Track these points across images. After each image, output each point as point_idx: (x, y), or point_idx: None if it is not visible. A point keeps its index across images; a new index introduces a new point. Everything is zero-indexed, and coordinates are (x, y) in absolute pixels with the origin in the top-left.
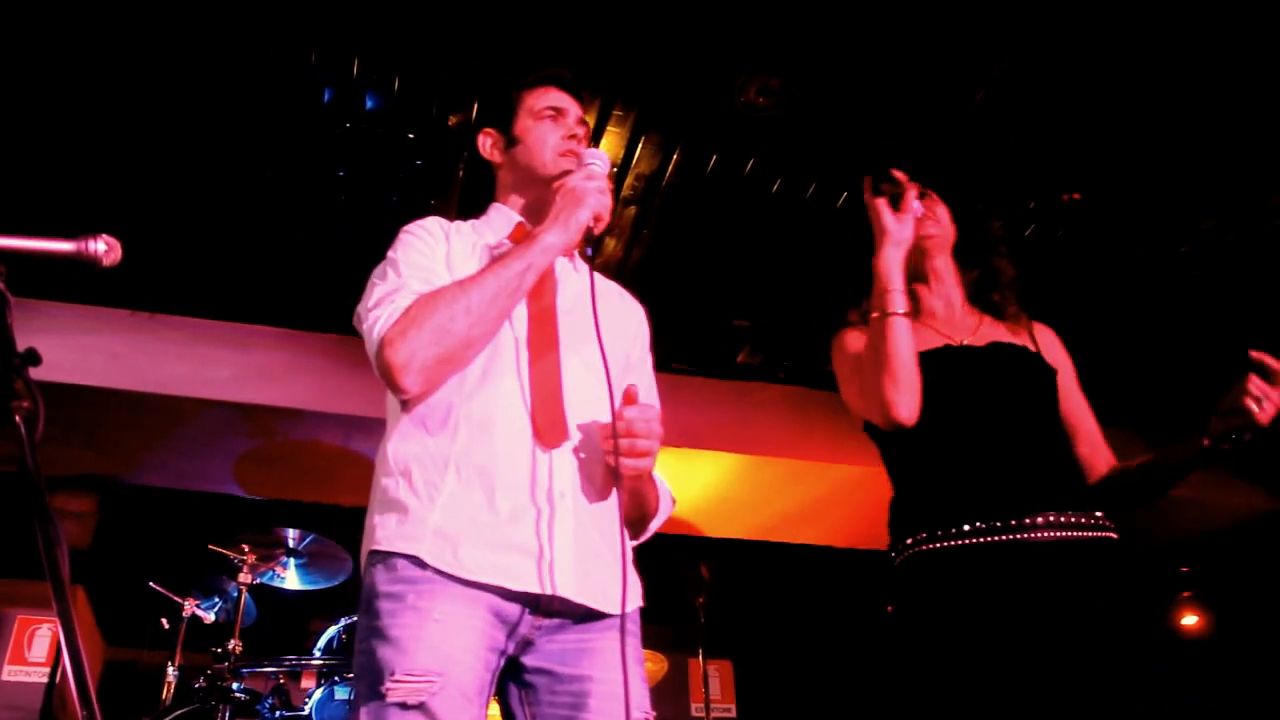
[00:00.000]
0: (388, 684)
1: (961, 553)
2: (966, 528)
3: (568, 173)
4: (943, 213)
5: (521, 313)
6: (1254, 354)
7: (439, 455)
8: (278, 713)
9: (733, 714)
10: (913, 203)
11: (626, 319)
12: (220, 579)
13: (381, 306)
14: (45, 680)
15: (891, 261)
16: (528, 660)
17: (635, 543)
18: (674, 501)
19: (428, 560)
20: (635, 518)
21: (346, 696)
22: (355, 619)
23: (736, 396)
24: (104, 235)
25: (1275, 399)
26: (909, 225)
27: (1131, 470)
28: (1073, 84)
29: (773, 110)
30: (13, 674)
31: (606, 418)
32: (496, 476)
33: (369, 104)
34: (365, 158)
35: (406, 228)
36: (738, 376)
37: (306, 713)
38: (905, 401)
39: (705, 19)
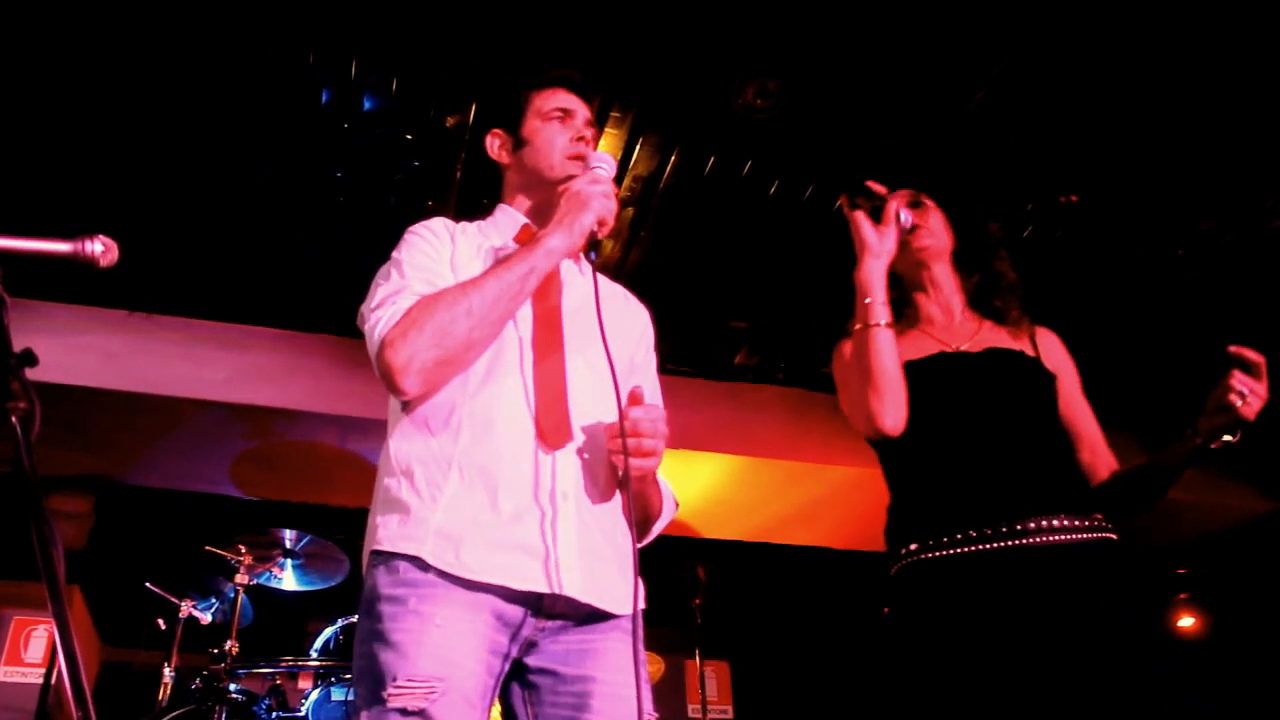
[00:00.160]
0: (389, 689)
1: (959, 561)
2: (961, 535)
3: (574, 176)
4: (938, 220)
5: (526, 314)
6: (1233, 349)
7: (441, 455)
8: (274, 714)
9: (729, 715)
10: (896, 213)
11: (632, 321)
12: (217, 580)
13: (383, 307)
14: (41, 681)
15: (872, 273)
16: (531, 661)
17: (640, 544)
18: (677, 504)
19: (430, 561)
20: (638, 520)
21: (343, 697)
22: (352, 620)
23: (733, 398)
24: (101, 236)
25: (1260, 392)
26: (890, 237)
27: (1130, 473)
28: (1071, 86)
29: (770, 112)
30: (8, 675)
31: (610, 419)
32: (499, 477)
33: (367, 105)
34: (363, 158)
35: (412, 228)
36: (735, 378)
37: (303, 714)
38: (889, 413)
39: (703, 20)
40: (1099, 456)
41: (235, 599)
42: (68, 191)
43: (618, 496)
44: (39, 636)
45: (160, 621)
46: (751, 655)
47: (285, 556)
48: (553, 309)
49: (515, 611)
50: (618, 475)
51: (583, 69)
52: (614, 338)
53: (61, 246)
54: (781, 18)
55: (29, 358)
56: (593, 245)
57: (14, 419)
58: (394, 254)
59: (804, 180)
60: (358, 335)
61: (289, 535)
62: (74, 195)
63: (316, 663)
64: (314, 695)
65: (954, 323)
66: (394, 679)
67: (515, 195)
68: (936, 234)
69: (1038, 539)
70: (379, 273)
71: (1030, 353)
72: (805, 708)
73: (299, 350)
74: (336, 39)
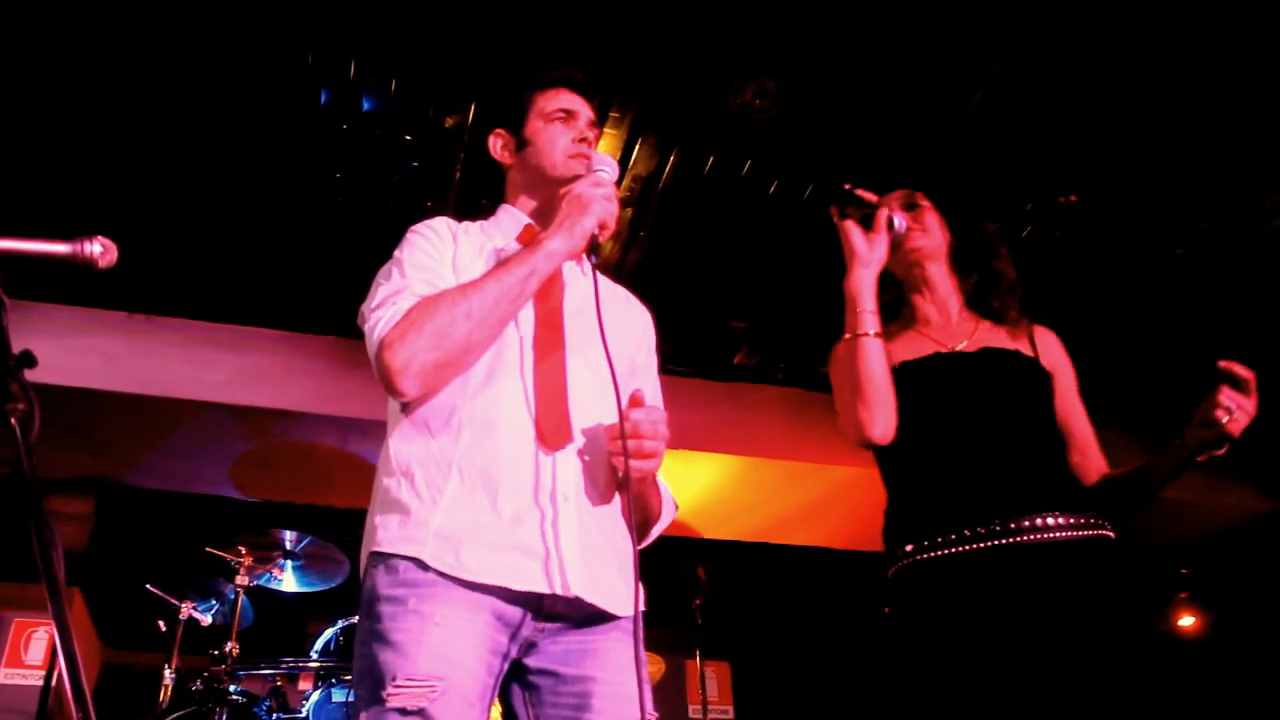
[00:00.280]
0: (389, 689)
1: (956, 560)
2: (956, 535)
3: (578, 177)
4: (933, 220)
5: (528, 315)
6: (1222, 364)
7: (442, 457)
8: (275, 715)
9: (730, 715)
10: (887, 221)
11: (633, 323)
12: (217, 581)
13: (383, 308)
14: (41, 683)
15: (861, 282)
16: (531, 661)
17: (639, 547)
18: (677, 507)
19: (430, 562)
20: (638, 522)
21: (344, 698)
22: (353, 621)
23: (733, 398)
24: (100, 237)
25: (1247, 408)
26: (880, 245)
27: (1120, 479)
28: (1070, 86)
29: (769, 112)
30: (9, 677)
31: (611, 420)
32: (500, 479)
33: (366, 105)
34: (362, 159)
35: (414, 228)
36: (734, 378)
37: (304, 715)
38: (878, 422)
39: (702, 20)
40: (1089, 459)
41: (235, 600)
42: (66, 193)
43: (618, 498)
44: (39, 638)
45: (160, 623)
46: (752, 655)
47: (285, 558)
48: (554, 310)
49: (515, 612)
50: (618, 477)
51: (582, 69)
52: (615, 339)
53: (60, 248)
54: (781, 18)
55: (28, 359)
56: (593, 248)
57: (13, 420)
58: (396, 253)
59: (803, 180)
60: (358, 336)
61: (289, 536)
62: (73, 196)
63: (317, 664)
64: (315, 696)
65: (951, 323)
66: (394, 678)
67: (518, 196)
68: (931, 234)
69: (1033, 536)
70: (380, 272)
71: (1028, 352)
72: (806, 708)
73: (299, 351)
74: (335, 39)
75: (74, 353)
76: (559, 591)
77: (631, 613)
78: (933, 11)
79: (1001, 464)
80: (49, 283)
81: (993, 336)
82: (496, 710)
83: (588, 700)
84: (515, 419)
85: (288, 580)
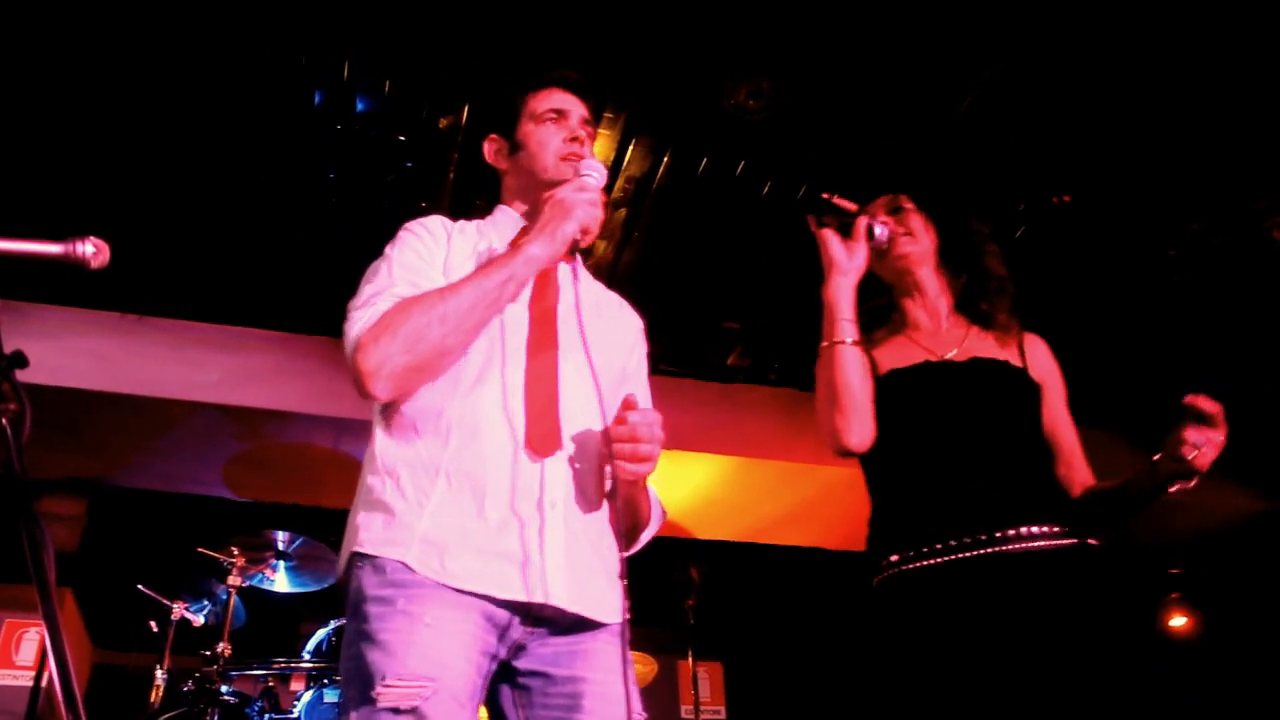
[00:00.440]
0: (379, 689)
1: (941, 570)
2: (942, 545)
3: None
4: (919, 223)
5: (522, 319)
6: (1187, 400)
7: (429, 461)
8: (267, 715)
9: (722, 716)
10: (866, 229)
11: (624, 329)
12: (209, 582)
13: (363, 309)
14: (31, 684)
15: (839, 290)
16: (520, 664)
17: (626, 554)
18: (665, 513)
19: (415, 567)
20: (628, 526)
21: (336, 699)
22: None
23: (727, 398)
24: (92, 237)
25: (1215, 440)
26: (859, 254)
27: (1101, 494)
28: (1063, 87)
29: (763, 113)
30: None
31: (600, 427)
32: (487, 484)
33: (360, 106)
34: (356, 160)
35: (407, 225)
36: (728, 379)
37: (295, 715)
38: (854, 429)
39: (695, 22)
40: (1075, 471)
41: (228, 601)
42: (58, 193)
43: (606, 505)
44: (30, 639)
45: (152, 623)
46: (745, 656)
47: (278, 558)
48: (549, 316)
49: (504, 615)
50: (607, 482)
51: (576, 70)
52: (606, 346)
53: (52, 248)
54: (774, 19)
55: (19, 359)
56: (575, 253)
57: (4, 421)
58: (386, 250)
59: (797, 181)
60: None
61: (281, 537)
62: (65, 197)
63: (309, 665)
64: (306, 697)
65: (941, 328)
66: (383, 678)
67: (513, 199)
68: (918, 238)
69: (1018, 545)
70: (369, 268)
71: (1017, 362)
72: (799, 709)
73: (292, 352)
74: (329, 40)
75: (66, 353)
76: (543, 601)
77: (618, 620)
78: (926, 14)
79: (987, 474)
80: (41, 283)
81: (982, 344)
82: (483, 712)
83: (579, 701)
84: (504, 424)
85: (280, 581)
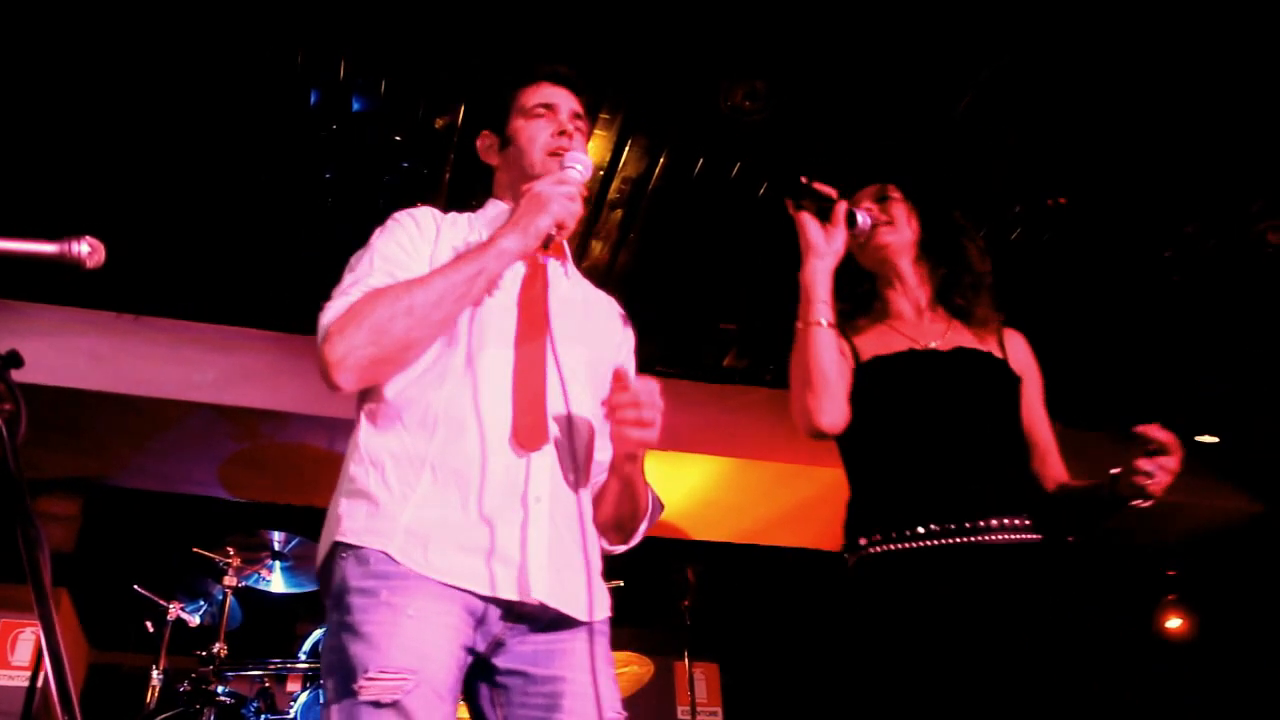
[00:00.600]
0: (361, 681)
1: (916, 555)
2: (920, 530)
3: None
4: (902, 212)
5: (511, 313)
6: (1138, 429)
7: (415, 453)
8: (263, 716)
9: (719, 717)
10: (846, 214)
11: (612, 329)
12: (205, 582)
13: (339, 298)
14: (27, 684)
15: (816, 273)
16: (499, 661)
17: (626, 547)
18: (662, 506)
19: (397, 558)
20: (628, 512)
21: None
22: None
23: (722, 400)
24: (88, 237)
25: (1169, 467)
26: (837, 238)
27: (1075, 491)
28: (1059, 89)
29: (759, 114)
30: None
31: (588, 423)
32: (471, 478)
33: (356, 106)
34: (352, 160)
35: (396, 214)
36: (724, 380)
37: (291, 716)
38: (826, 409)
39: (691, 23)
40: (1049, 467)
41: (224, 601)
42: (54, 192)
43: (589, 501)
44: (26, 639)
45: (148, 624)
46: (741, 657)
47: (274, 558)
48: (538, 310)
49: (484, 609)
50: (593, 479)
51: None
52: (594, 342)
53: (48, 248)
54: (770, 20)
55: (15, 359)
56: (548, 245)
57: (0, 420)
58: (372, 237)
59: (793, 182)
60: None
61: (277, 537)
62: (61, 196)
63: (305, 665)
64: (302, 697)
65: (923, 320)
66: (366, 671)
67: (504, 193)
68: (899, 227)
69: (992, 537)
70: (354, 256)
71: (998, 354)
72: (795, 710)
73: (287, 352)
74: (325, 40)
75: (62, 353)
76: (523, 598)
77: (601, 617)
78: (923, 16)
79: (966, 464)
80: (37, 282)
81: (962, 336)
82: (463, 710)
83: (558, 700)
84: (491, 418)
85: (276, 581)
